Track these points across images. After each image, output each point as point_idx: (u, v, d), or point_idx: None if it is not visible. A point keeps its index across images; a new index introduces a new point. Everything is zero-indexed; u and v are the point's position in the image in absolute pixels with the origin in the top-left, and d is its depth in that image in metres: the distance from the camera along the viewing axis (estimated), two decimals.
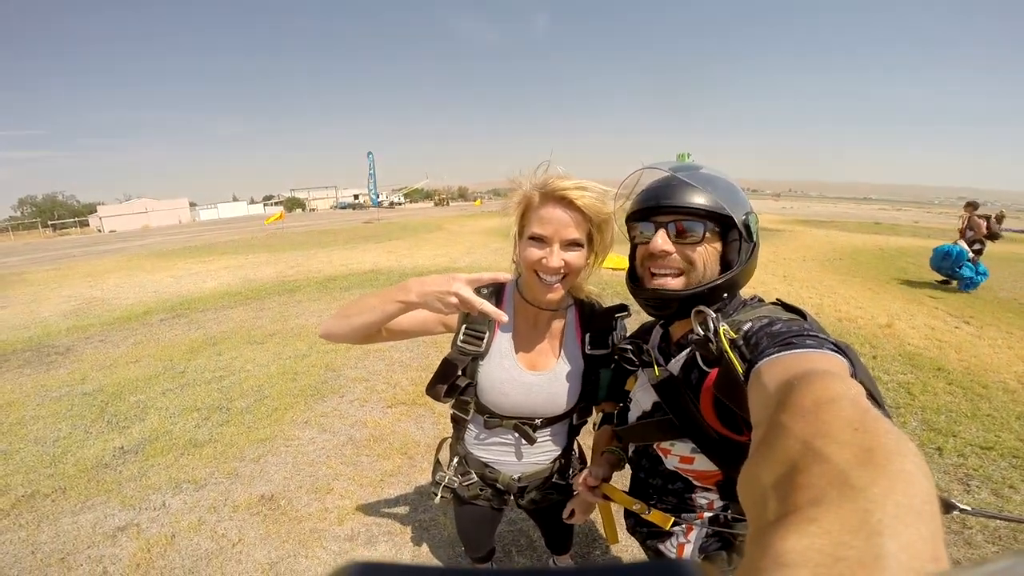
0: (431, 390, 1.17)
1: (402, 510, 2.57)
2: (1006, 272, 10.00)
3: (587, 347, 1.17)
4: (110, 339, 5.72)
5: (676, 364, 0.94)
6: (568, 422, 1.29)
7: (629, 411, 1.10)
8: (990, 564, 0.17)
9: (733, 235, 0.89)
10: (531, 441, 1.23)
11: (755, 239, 0.90)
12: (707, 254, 0.88)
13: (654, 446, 1.01)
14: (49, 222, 50.54)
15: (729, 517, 0.94)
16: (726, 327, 0.78)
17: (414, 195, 75.76)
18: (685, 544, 0.98)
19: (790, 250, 12.49)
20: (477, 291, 1.03)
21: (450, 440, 1.40)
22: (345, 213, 45.47)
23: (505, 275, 1.00)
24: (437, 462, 1.43)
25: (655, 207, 0.90)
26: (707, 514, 0.96)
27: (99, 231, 40.88)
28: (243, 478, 2.87)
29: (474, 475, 1.32)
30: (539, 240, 0.99)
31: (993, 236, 8.68)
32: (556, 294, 1.04)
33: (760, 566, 0.25)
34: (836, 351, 0.63)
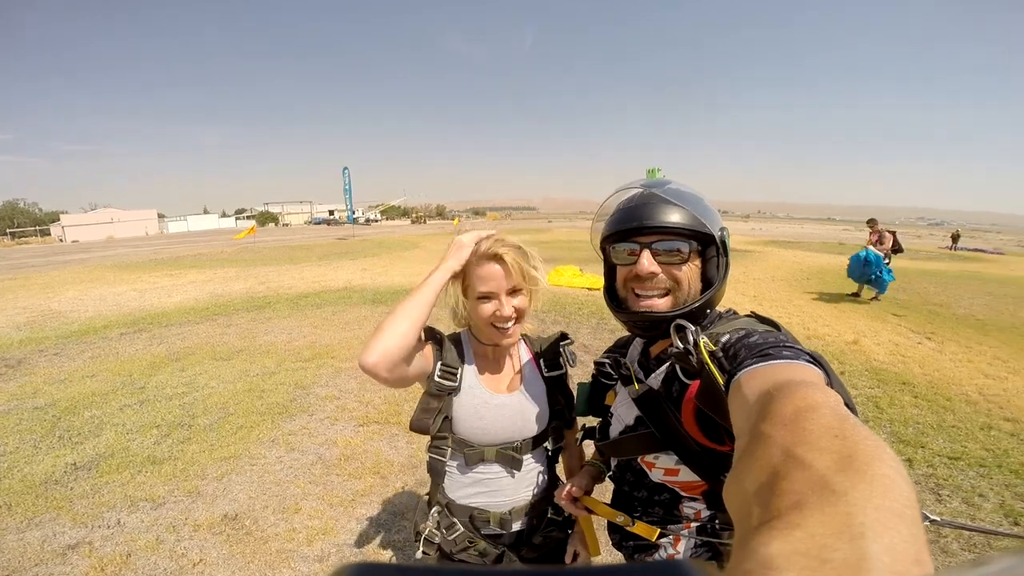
0: (417, 424, 1.18)
1: (375, 531, 2.49)
2: (963, 290, 10.69)
3: (544, 371, 1.28)
4: (65, 352, 5.47)
5: (657, 378, 0.94)
6: (544, 449, 1.30)
7: (611, 426, 1.09)
8: (990, 564, 0.18)
9: (712, 252, 0.90)
10: (518, 466, 1.22)
11: (727, 254, 0.93)
12: (691, 272, 0.89)
13: (638, 460, 1.00)
14: (8, 230, 48.43)
15: (717, 526, 0.94)
16: (705, 339, 0.79)
17: (391, 212, 75.43)
18: (674, 555, 0.96)
19: (760, 270, 12.93)
20: (445, 345, 1.21)
21: (428, 494, 1.34)
22: (319, 229, 44.94)
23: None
24: (417, 517, 1.37)
25: (638, 227, 0.89)
26: (694, 524, 0.95)
27: (60, 240, 39.29)
28: (205, 497, 2.75)
29: (459, 525, 1.24)
30: (487, 297, 1.11)
31: (898, 250, 9.38)
32: (513, 337, 1.17)
33: (746, 570, 0.25)
34: (812, 362, 0.64)
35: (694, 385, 0.81)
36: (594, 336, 5.92)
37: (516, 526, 1.26)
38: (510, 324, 1.14)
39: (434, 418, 1.18)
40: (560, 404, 1.28)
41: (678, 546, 0.96)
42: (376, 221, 64.51)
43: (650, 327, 0.93)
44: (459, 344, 1.25)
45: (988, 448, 3.34)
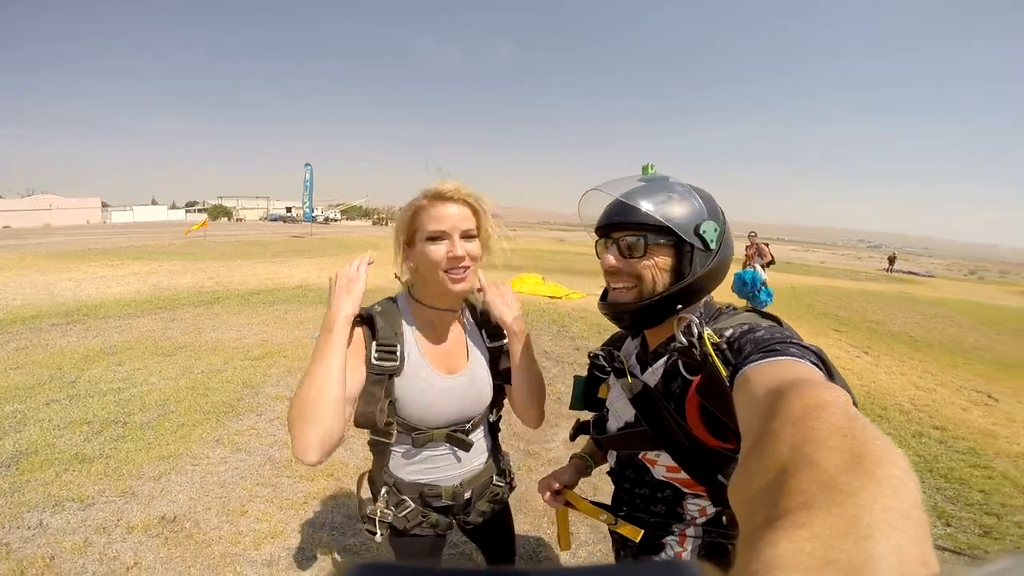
0: (363, 419, 1.08)
1: (328, 534, 2.38)
2: (897, 309, 11.56)
3: (487, 340, 1.24)
4: None
5: (655, 373, 0.95)
6: (487, 417, 1.28)
7: (607, 421, 1.08)
8: (990, 564, 0.18)
9: (686, 246, 0.89)
10: (467, 448, 1.20)
11: (715, 247, 0.90)
12: (655, 267, 0.90)
13: (640, 456, 0.99)
14: None
15: (725, 522, 0.92)
16: (710, 332, 0.78)
17: (352, 212, 73.62)
18: (682, 553, 0.95)
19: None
20: (371, 308, 1.12)
21: (369, 472, 1.30)
22: (275, 225, 43.56)
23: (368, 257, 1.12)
24: (361, 500, 1.29)
25: (606, 224, 0.95)
26: (700, 520, 0.94)
27: None
28: (140, 497, 2.57)
29: (409, 502, 1.20)
30: (438, 238, 1.05)
31: (770, 262, 10.02)
32: (465, 283, 1.08)
33: (751, 570, 0.25)
34: (817, 359, 0.64)
35: (697, 379, 0.80)
36: (555, 343, 5.94)
37: (466, 495, 1.26)
38: (463, 268, 1.07)
39: (379, 407, 1.08)
40: (501, 373, 1.24)
41: (684, 544, 0.94)
42: (335, 220, 62.91)
43: (617, 317, 0.97)
44: (395, 311, 1.16)
45: (920, 454, 3.55)
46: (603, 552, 2.32)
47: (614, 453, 1.09)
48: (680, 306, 0.91)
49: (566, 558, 2.16)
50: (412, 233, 1.08)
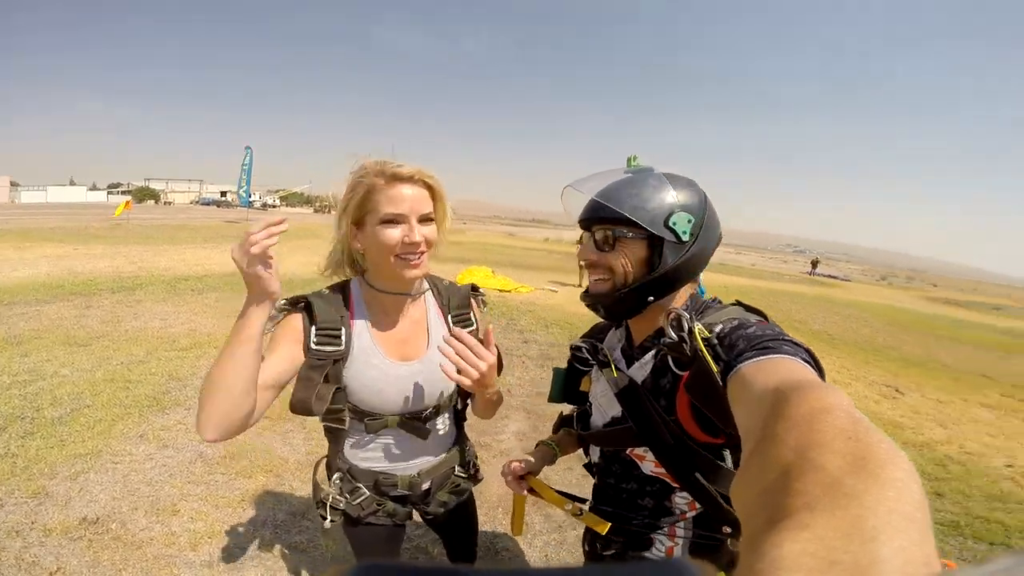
0: (298, 405, 1.02)
1: (271, 532, 2.27)
2: (818, 310, 12.53)
3: (451, 327, 1.17)
4: None
5: (643, 368, 0.94)
6: (453, 407, 1.25)
7: (591, 415, 1.07)
8: (990, 564, 0.18)
9: (656, 239, 0.89)
10: (424, 436, 1.14)
11: (689, 239, 0.89)
12: (625, 259, 0.90)
13: (627, 451, 0.98)
14: None
15: (714, 518, 0.91)
16: (700, 326, 0.78)
17: (292, 199, 70.27)
18: (673, 548, 0.94)
19: None
20: (319, 294, 1.06)
21: (326, 458, 1.24)
22: (208, 210, 41.08)
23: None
24: (316, 484, 1.24)
25: (584, 219, 0.96)
26: (691, 514, 0.93)
27: None
28: (56, 498, 2.35)
29: (364, 489, 1.16)
30: (394, 221, 0.99)
31: None
32: (420, 268, 1.04)
33: (755, 570, 0.25)
34: (809, 357, 0.65)
35: (686, 377, 0.80)
36: (504, 336, 5.97)
37: (424, 486, 1.21)
38: (418, 254, 1.02)
39: (317, 394, 1.01)
40: None
41: (674, 539, 0.94)
42: (274, 207, 59.87)
43: (592, 307, 0.97)
44: (345, 296, 1.10)
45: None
46: (557, 541, 2.35)
47: (597, 448, 1.07)
48: (652, 298, 0.90)
49: (526, 550, 2.17)
50: (363, 214, 1.02)
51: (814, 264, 34.14)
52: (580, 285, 11.47)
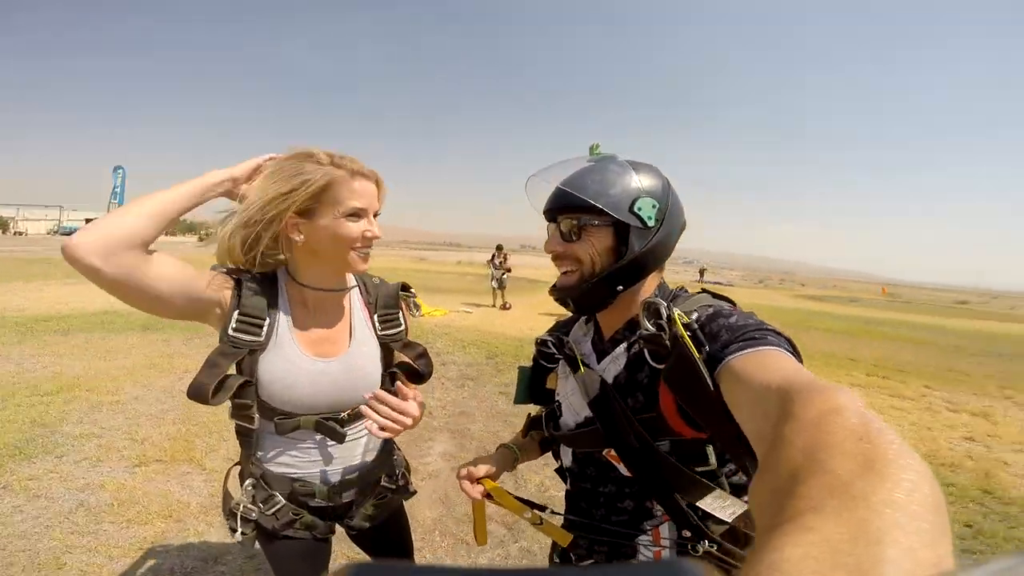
0: (194, 390, 0.93)
1: None
2: None
3: (378, 328, 1.14)
4: None
5: (615, 362, 0.91)
6: None
7: (561, 415, 1.01)
8: (990, 564, 0.18)
9: (622, 226, 0.86)
10: (340, 439, 1.07)
11: (654, 224, 0.86)
12: (592, 249, 0.87)
13: (603, 453, 0.92)
14: None
15: (699, 517, 0.85)
16: (679, 312, 0.76)
17: (174, 227, 63.60)
18: (660, 552, 0.89)
19: (529, 300, 14.58)
20: (251, 277, 1.03)
21: (239, 464, 1.16)
22: None
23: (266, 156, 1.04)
24: (227, 492, 1.14)
25: (547, 210, 0.93)
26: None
27: None
28: None
29: (279, 497, 1.07)
30: (358, 214, 1.00)
31: (508, 269, 12.06)
32: (368, 262, 1.07)
33: (755, 572, 0.25)
34: (791, 347, 0.65)
35: (666, 368, 0.77)
36: None
37: (346, 497, 1.13)
38: (368, 249, 1.05)
39: (222, 383, 0.94)
40: (395, 366, 1.15)
41: (659, 541, 0.89)
42: None
43: (561, 300, 0.94)
44: (271, 287, 1.04)
45: None
46: (522, 549, 2.33)
47: (569, 450, 1.01)
48: (621, 287, 0.88)
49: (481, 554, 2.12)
50: (317, 205, 0.97)
51: (702, 272, 37.43)
52: (494, 306, 11.70)
